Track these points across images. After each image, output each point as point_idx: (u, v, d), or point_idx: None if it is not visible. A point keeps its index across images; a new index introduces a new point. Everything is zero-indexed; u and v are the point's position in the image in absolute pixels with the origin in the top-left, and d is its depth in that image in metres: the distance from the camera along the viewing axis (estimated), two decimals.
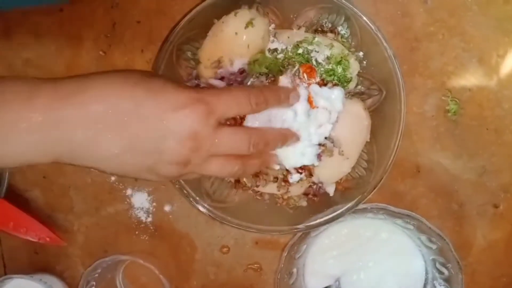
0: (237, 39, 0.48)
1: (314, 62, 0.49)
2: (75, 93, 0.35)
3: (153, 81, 0.37)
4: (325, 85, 0.48)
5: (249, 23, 0.47)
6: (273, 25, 0.51)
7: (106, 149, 0.36)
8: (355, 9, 0.49)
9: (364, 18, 0.49)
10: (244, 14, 0.48)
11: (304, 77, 0.48)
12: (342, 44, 0.50)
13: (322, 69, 0.49)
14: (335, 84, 0.49)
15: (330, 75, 0.49)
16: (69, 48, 0.59)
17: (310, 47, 0.49)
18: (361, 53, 0.51)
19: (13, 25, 0.59)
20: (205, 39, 0.50)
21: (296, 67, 0.48)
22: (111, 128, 0.36)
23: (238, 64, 0.49)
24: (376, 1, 0.56)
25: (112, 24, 0.59)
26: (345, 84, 0.50)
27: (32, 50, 0.60)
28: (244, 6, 0.49)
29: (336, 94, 0.48)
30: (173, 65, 0.52)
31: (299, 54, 0.49)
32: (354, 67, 0.50)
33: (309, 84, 0.48)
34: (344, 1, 0.49)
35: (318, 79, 0.48)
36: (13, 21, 0.59)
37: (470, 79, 0.57)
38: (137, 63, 0.59)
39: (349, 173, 0.52)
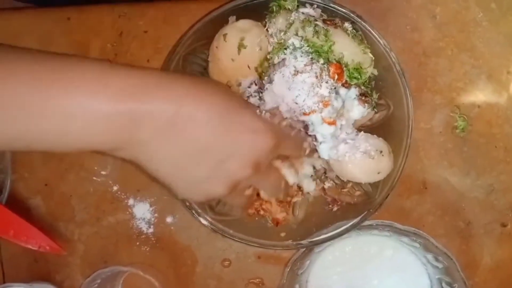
0: (235, 64, 0.48)
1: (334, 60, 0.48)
2: (156, 88, 0.33)
3: (234, 98, 0.38)
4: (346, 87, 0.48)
5: (241, 46, 0.47)
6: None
7: (165, 155, 0.35)
8: (364, 23, 0.48)
9: (373, 32, 0.48)
10: (233, 36, 0.47)
11: (334, 77, 0.47)
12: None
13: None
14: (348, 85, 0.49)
15: (355, 77, 0.48)
16: None
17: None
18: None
19: (20, 33, 0.60)
20: (208, 64, 0.50)
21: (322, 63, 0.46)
22: (179, 135, 0.34)
23: (246, 83, 0.49)
24: (385, 15, 0.56)
25: (119, 33, 0.59)
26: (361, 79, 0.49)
27: None
28: (232, 17, 0.49)
29: (350, 93, 0.48)
30: None
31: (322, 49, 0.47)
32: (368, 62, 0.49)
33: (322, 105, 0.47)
34: (352, 14, 0.48)
35: (344, 80, 0.48)
36: (20, 29, 0.59)
37: (479, 95, 0.56)
38: None
39: (355, 188, 0.51)
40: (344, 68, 0.48)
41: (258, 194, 0.47)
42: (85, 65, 0.33)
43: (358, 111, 0.49)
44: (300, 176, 0.48)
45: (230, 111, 0.36)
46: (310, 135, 0.48)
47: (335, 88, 0.47)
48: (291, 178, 0.47)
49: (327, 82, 0.46)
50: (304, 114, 0.46)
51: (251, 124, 0.37)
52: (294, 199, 0.52)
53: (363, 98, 0.49)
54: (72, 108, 0.32)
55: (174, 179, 0.37)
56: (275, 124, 0.42)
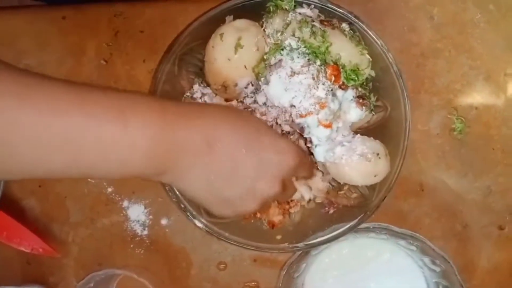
0: (231, 63, 0.47)
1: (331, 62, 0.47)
2: (190, 117, 0.37)
3: (259, 121, 0.44)
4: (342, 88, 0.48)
5: (238, 46, 0.46)
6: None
7: (202, 179, 0.37)
8: (362, 24, 0.48)
9: (370, 32, 0.48)
10: (230, 36, 0.47)
11: (331, 79, 0.46)
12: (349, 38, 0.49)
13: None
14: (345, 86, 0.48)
15: (352, 79, 0.48)
16: (71, 56, 0.59)
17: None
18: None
19: (17, 33, 0.59)
20: (204, 64, 0.50)
21: (318, 64, 0.46)
22: (216, 158, 0.37)
23: (243, 83, 0.48)
24: (383, 16, 0.55)
25: (114, 33, 0.58)
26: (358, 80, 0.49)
27: (33, 57, 0.59)
28: (229, 17, 0.48)
29: (347, 95, 0.48)
30: (175, 76, 0.51)
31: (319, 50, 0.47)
32: (365, 63, 0.49)
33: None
34: (350, 15, 0.48)
35: (341, 82, 0.48)
36: (17, 29, 0.59)
37: (476, 97, 0.56)
38: (139, 73, 0.58)
39: (352, 191, 0.51)
40: (341, 70, 0.47)
41: None
42: (124, 98, 0.35)
43: (355, 114, 0.48)
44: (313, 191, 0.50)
45: (258, 134, 0.39)
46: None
47: (331, 90, 0.46)
48: (306, 195, 0.49)
49: (323, 84, 0.46)
50: (301, 116, 0.46)
51: (277, 145, 0.40)
52: (292, 210, 0.52)
53: (361, 100, 0.48)
54: (119, 141, 0.34)
55: (209, 200, 0.39)
56: (296, 145, 0.45)
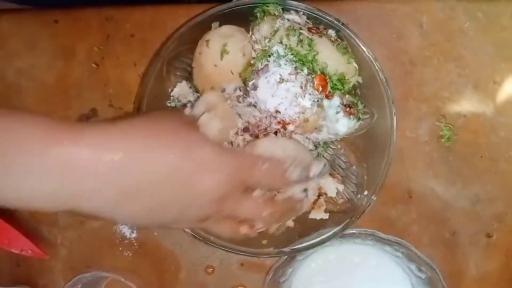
0: (218, 69, 0.48)
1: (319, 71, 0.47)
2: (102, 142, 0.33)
3: (191, 136, 0.36)
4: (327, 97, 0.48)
5: (223, 52, 0.47)
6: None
7: (129, 210, 0.34)
8: (349, 31, 0.48)
9: (357, 40, 0.48)
10: (216, 42, 0.47)
11: (318, 89, 0.46)
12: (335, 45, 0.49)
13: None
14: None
15: (338, 88, 0.48)
16: (62, 59, 0.59)
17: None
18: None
19: (7, 35, 0.59)
20: (193, 70, 0.50)
21: (305, 73, 0.46)
22: (141, 189, 0.33)
23: (230, 88, 0.48)
24: (371, 23, 0.56)
25: (105, 36, 0.58)
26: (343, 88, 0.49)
27: (25, 61, 0.59)
28: (215, 23, 0.49)
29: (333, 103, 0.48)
30: (163, 80, 0.51)
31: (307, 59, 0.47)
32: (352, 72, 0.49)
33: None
34: (337, 22, 0.48)
35: (327, 92, 0.48)
36: (7, 31, 0.59)
37: (465, 105, 0.56)
38: (130, 77, 0.58)
39: (338, 196, 0.51)
40: (328, 80, 0.48)
41: None
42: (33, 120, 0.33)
43: (343, 123, 0.49)
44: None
45: (190, 150, 0.35)
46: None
47: (318, 100, 0.47)
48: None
49: (310, 94, 0.46)
50: (284, 123, 0.46)
51: (212, 161, 0.36)
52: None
53: (348, 109, 0.48)
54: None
55: (141, 226, 0.40)
56: (242, 154, 0.40)
